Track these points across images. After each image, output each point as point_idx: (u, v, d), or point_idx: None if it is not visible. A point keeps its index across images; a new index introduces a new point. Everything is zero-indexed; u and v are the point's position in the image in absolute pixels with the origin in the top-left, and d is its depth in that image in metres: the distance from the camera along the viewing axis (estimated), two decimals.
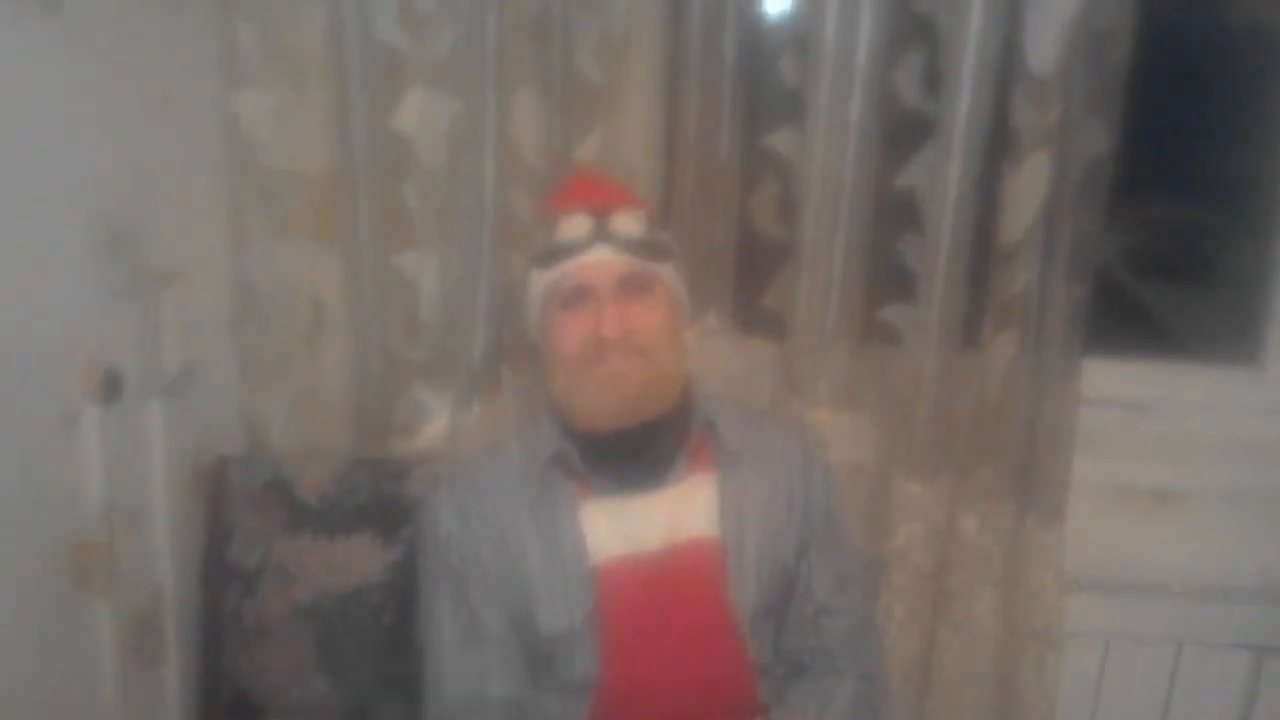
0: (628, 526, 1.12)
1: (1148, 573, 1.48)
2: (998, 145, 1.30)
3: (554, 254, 1.12)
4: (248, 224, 1.35)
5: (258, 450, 1.40)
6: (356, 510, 1.31)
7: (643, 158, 1.37)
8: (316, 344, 1.40)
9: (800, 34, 1.31)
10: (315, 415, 1.42)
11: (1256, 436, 1.50)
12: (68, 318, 1.08)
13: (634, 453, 1.13)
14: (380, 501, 1.31)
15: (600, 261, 1.10)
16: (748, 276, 1.42)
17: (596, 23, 1.30)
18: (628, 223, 1.12)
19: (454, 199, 1.35)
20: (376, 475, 1.32)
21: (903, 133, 1.33)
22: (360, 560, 1.30)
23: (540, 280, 1.14)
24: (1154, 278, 1.73)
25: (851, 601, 1.20)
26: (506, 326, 1.37)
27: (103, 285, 1.13)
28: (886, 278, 1.38)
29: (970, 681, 1.45)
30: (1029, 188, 1.30)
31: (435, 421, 1.41)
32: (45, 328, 1.04)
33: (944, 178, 1.30)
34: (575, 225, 1.12)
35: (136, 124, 1.18)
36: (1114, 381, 1.49)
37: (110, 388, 1.09)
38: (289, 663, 1.30)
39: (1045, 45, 1.25)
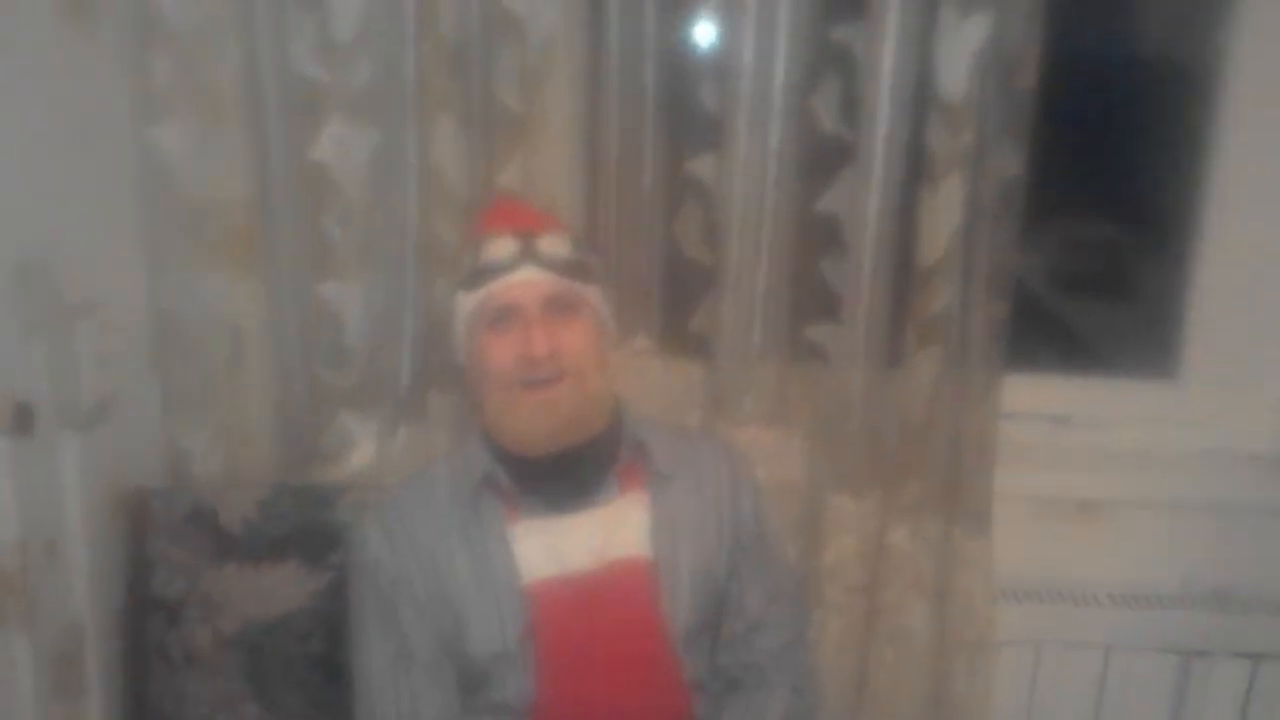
0: (559, 547, 1.13)
1: (1075, 581, 1.52)
2: (914, 169, 1.33)
3: (480, 275, 1.13)
4: (166, 254, 1.34)
5: (180, 481, 1.38)
6: (281, 538, 1.29)
7: (565, 185, 1.38)
8: (238, 373, 1.39)
9: (719, 62, 1.34)
10: (238, 444, 1.40)
11: (1175, 448, 1.54)
12: None
13: (564, 474, 1.14)
14: (306, 528, 1.30)
15: (527, 281, 1.11)
16: (674, 299, 1.43)
17: (516, 52, 1.31)
18: (553, 243, 1.14)
19: (376, 227, 1.35)
20: (301, 502, 1.31)
21: (822, 158, 1.36)
22: (286, 588, 1.28)
23: (467, 302, 1.15)
24: (1074, 295, 1.78)
25: (783, 617, 1.21)
26: (433, 352, 1.37)
27: (15, 318, 1.11)
28: (811, 298, 1.40)
29: (905, 692, 1.47)
30: (945, 209, 1.33)
31: (361, 448, 1.41)
32: None
33: (863, 201, 1.33)
34: (501, 247, 1.13)
35: (50, 154, 1.17)
36: (1037, 396, 1.52)
37: (20, 421, 1.08)
38: (217, 693, 1.28)
39: (956, 72, 1.29)
